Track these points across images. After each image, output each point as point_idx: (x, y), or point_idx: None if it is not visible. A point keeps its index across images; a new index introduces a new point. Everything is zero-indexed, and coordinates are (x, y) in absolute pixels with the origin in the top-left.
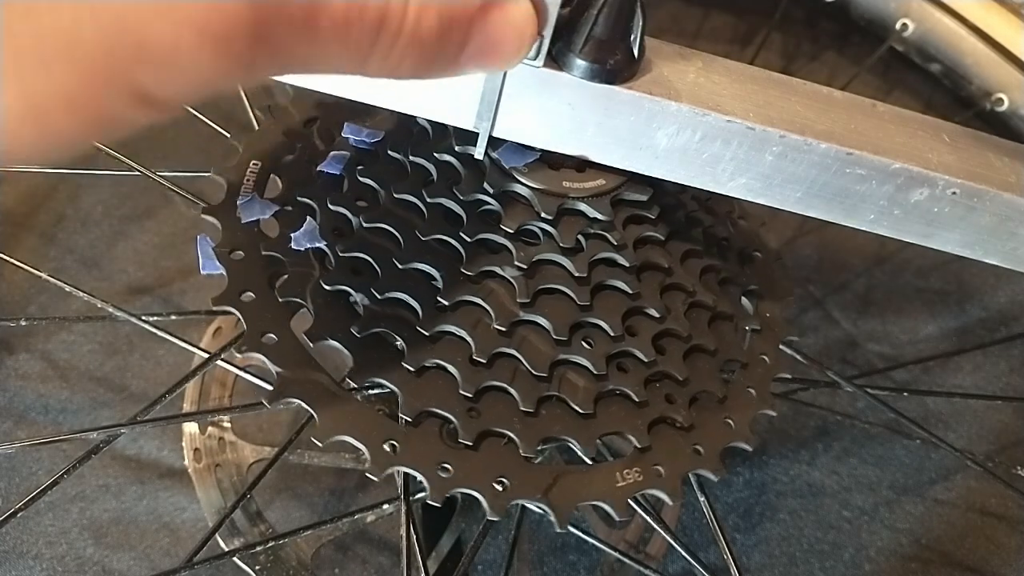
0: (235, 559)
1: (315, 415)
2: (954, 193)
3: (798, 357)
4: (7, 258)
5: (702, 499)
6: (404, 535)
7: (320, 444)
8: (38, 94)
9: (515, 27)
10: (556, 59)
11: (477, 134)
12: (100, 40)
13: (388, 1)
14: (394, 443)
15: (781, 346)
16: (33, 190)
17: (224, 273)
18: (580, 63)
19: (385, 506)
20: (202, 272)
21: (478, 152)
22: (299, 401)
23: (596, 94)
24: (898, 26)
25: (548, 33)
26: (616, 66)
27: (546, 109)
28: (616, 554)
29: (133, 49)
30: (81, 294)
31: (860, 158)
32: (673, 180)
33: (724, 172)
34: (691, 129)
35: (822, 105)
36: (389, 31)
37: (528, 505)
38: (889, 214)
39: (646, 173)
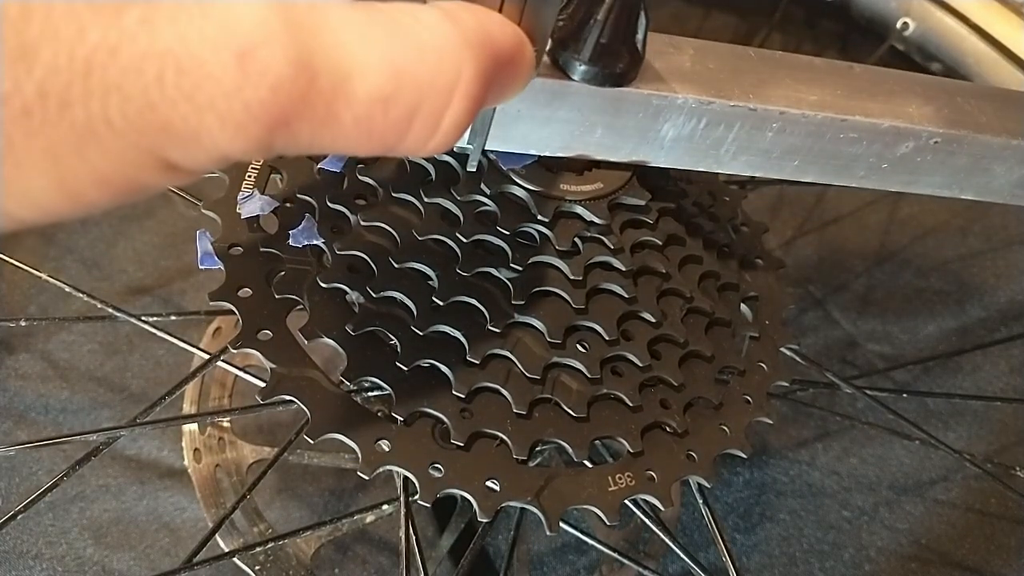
0: (235, 559)
1: (308, 412)
2: (936, 142)
3: (798, 358)
4: (7, 258)
5: (700, 501)
6: (403, 535)
7: (311, 441)
8: (71, 175)
9: (525, 70)
10: (564, 68)
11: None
12: (128, 126)
13: (421, 100)
14: (386, 442)
15: (781, 347)
16: None
17: (222, 268)
18: (589, 70)
19: (385, 506)
20: (200, 267)
21: (471, 165)
22: (291, 398)
23: (606, 98)
24: (899, 25)
25: (543, 51)
26: (624, 69)
27: (554, 118)
28: (615, 554)
29: (159, 130)
30: (81, 294)
31: (853, 122)
32: (677, 167)
33: (727, 153)
34: (696, 118)
35: (808, 75)
36: (423, 125)
37: (517, 506)
38: (877, 169)
39: (651, 164)
